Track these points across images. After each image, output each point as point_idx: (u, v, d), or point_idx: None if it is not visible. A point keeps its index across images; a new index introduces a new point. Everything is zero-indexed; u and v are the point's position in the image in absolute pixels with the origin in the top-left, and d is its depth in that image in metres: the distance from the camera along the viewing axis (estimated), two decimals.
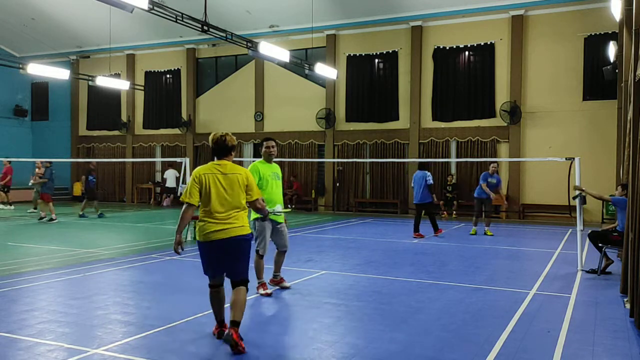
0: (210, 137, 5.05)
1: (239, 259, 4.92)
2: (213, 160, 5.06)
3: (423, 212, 13.09)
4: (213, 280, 5.07)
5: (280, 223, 7.06)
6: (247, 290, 4.99)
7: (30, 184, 17.93)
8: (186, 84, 23.58)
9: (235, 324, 4.75)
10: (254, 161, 7.09)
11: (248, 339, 5.06)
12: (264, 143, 6.99)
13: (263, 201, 5.28)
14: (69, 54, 25.72)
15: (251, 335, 5.20)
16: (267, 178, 6.87)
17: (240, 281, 4.93)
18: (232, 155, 5.06)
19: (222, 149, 5.00)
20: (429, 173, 12.92)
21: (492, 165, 13.60)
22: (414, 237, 12.84)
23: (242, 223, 4.91)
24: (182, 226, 4.92)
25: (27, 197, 21.91)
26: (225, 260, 4.91)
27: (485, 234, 13.43)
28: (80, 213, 17.31)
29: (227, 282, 5.02)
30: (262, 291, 6.90)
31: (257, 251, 6.84)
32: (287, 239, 7.18)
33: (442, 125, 19.22)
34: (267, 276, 7.19)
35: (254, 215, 6.71)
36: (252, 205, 5.10)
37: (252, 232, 5.31)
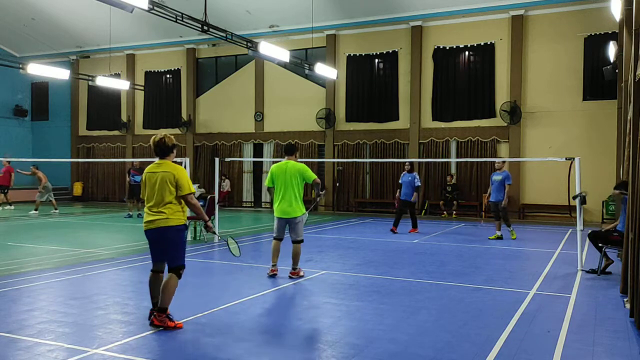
0: (151, 140, 5.55)
1: (167, 247, 5.45)
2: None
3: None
4: (154, 265, 5.64)
5: None
6: (179, 277, 5.46)
7: None
8: (186, 84, 23.58)
9: (160, 309, 5.36)
10: (275, 161, 8.18)
11: (249, 339, 5.07)
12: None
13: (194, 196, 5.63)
14: (69, 54, 25.73)
15: (251, 336, 5.20)
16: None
17: (172, 268, 5.46)
18: (172, 155, 5.53)
19: (161, 149, 5.49)
20: None
21: (495, 162, 13.01)
22: (394, 232, 13.73)
23: (167, 215, 5.37)
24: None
25: (25, 197, 21.94)
26: (156, 249, 5.53)
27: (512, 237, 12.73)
28: (138, 213, 17.67)
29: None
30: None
31: (302, 240, 7.96)
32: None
33: (442, 125, 19.22)
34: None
35: (304, 209, 7.82)
36: (184, 199, 5.44)
37: (185, 224, 5.57)
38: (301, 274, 8.04)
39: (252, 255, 9.95)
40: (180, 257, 5.50)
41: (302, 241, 7.96)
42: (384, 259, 9.92)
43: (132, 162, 19.77)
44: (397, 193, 14.28)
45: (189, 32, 19.33)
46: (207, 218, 5.71)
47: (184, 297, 6.70)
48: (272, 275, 7.97)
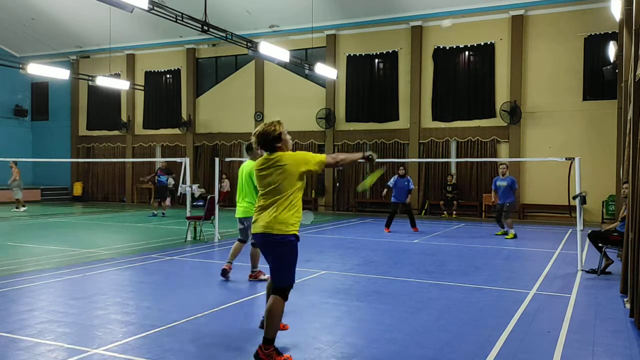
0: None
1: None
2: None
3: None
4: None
5: None
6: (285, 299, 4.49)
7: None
8: (186, 84, 23.58)
9: (265, 340, 4.42)
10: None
11: (249, 339, 5.07)
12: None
13: None
14: (69, 54, 25.73)
15: (251, 335, 5.20)
16: None
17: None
18: (278, 146, 4.51)
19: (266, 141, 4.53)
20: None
21: (500, 166, 13.53)
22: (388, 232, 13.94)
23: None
24: None
25: (26, 197, 21.90)
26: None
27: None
28: (155, 212, 17.84)
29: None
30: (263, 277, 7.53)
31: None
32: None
33: (442, 125, 19.22)
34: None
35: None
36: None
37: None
38: (261, 277, 7.53)
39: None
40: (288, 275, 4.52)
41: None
42: (384, 259, 9.92)
43: (159, 162, 19.93)
44: (384, 194, 14.79)
45: (189, 32, 19.33)
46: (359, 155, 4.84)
47: (183, 298, 6.71)
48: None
